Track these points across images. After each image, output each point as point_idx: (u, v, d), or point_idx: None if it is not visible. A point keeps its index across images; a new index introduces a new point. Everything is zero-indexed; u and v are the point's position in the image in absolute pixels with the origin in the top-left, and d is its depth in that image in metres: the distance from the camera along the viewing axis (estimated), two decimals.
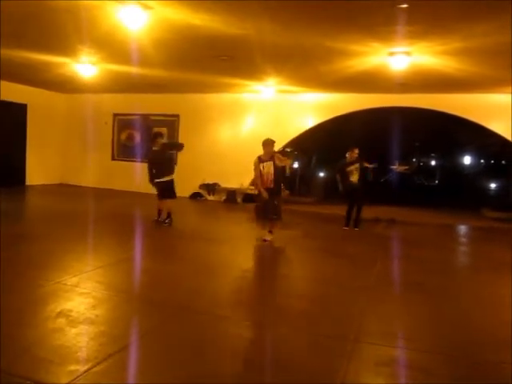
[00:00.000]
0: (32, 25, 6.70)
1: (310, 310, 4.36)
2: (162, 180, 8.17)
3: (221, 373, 3.00)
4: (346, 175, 8.85)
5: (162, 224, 8.27)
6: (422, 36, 6.26)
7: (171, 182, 8.28)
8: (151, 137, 8.76)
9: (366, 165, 9.01)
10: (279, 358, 3.26)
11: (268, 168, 6.99)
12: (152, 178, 8.28)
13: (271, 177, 7.03)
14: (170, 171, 8.34)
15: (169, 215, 8.33)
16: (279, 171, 7.17)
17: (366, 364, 3.23)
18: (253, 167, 7.15)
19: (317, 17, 5.70)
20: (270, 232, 7.35)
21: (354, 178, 8.85)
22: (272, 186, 7.06)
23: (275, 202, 7.15)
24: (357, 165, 8.83)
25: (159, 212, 8.39)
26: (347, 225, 8.99)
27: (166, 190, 8.21)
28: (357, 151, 8.86)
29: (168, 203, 8.36)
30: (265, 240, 7.26)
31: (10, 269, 5.15)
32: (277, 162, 7.05)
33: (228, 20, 5.97)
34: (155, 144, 8.30)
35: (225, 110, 13.07)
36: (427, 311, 4.43)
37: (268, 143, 7.04)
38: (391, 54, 7.13)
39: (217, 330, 3.75)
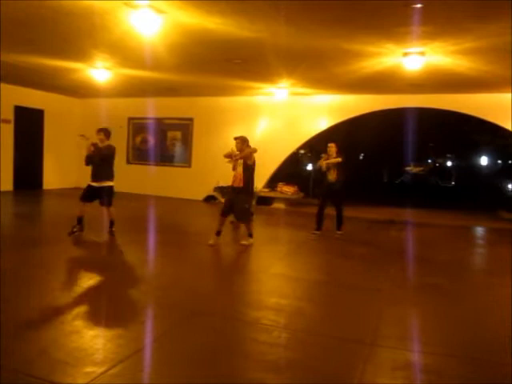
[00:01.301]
0: (46, 30, 6.80)
1: (326, 313, 4.34)
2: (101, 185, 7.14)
3: (237, 375, 3.00)
4: (323, 174, 8.17)
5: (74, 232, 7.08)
6: (436, 36, 6.20)
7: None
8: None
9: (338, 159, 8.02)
10: (295, 360, 3.25)
11: (239, 166, 6.80)
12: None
13: (240, 176, 6.82)
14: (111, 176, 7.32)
15: (80, 220, 7.11)
16: (249, 171, 6.93)
17: (383, 368, 3.20)
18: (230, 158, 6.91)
19: (330, 18, 5.69)
20: (250, 236, 7.16)
21: (332, 176, 8.08)
22: (241, 185, 6.84)
23: (245, 205, 6.95)
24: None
25: (79, 218, 7.12)
26: (319, 228, 8.18)
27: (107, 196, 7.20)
28: (333, 146, 8.08)
29: (111, 210, 7.31)
30: (242, 244, 7.08)
31: (27, 272, 5.23)
32: (248, 162, 6.85)
33: (241, 23, 5.99)
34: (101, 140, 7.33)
35: (238, 112, 13.10)
36: (442, 314, 4.39)
37: (243, 140, 6.92)
38: (405, 54, 7.09)
39: (232, 332, 3.76)
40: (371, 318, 4.19)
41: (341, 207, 8.27)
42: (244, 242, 7.11)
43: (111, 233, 7.30)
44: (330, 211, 8.41)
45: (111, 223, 7.33)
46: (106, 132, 7.39)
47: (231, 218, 7.97)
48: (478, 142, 23.63)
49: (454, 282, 5.58)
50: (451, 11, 5.23)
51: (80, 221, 7.11)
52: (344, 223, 8.35)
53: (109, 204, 7.24)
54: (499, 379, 3.03)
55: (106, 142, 7.33)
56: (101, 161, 7.12)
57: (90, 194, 7.13)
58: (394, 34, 6.15)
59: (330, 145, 8.14)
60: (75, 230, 7.07)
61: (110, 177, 7.24)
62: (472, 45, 6.45)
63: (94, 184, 7.11)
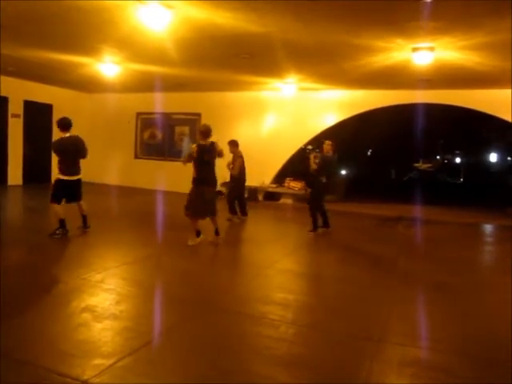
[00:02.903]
0: (56, 26, 6.81)
1: (333, 309, 4.34)
2: (72, 178, 6.80)
3: (243, 369, 3.01)
4: (306, 162, 8.14)
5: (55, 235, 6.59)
6: (446, 31, 6.15)
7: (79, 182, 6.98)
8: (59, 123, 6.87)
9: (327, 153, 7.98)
10: (303, 356, 3.26)
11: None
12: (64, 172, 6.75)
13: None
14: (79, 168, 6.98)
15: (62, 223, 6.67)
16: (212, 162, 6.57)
17: (390, 364, 3.19)
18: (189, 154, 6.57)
19: (339, 13, 5.65)
20: (217, 234, 6.74)
21: (311, 168, 7.99)
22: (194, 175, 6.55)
23: (207, 197, 6.56)
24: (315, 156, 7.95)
25: (84, 217, 7.05)
26: (324, 225, 8.02)
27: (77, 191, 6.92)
28: (329, 144, 7.99)
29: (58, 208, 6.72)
30: (191, 244, 6.48)
31: (35, 265, 5.29)
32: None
33: (250, 18, 5.97)
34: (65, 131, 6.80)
35: (246, 108, 13.09)
36: (451, 311, 4.37)
37: (208, 129, 6.55)
38: (415, 49, 7.03)
39: (240, 327, 3.77)
40: (378, 314, 4.19)
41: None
42: (189, 243, 6.51)
43: (52, 234, 6.59)
44: (333, 207, 8.38)
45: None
46: (59, 122, 6.84)
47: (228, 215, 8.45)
48: (488, 139, 23.46)
49: (463, 279, 5.54)
50: (461, 6, 5.18)
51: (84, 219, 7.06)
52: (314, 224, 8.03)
53: (50, 199, 6.80)
54: (509, 379, 3.01)
55: (67, 134, 6.82)
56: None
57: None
58: (404, 28, 6.10)
59: (327, 142, 8.09)
60: (85, 227, 7.08)
61: (59, 171, 6.83)
62: (482, 40, 6.39)
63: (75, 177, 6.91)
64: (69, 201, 6.86)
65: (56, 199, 6.72)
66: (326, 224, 8.12)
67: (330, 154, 8.05)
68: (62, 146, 6.86)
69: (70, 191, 6.82)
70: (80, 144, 6.95)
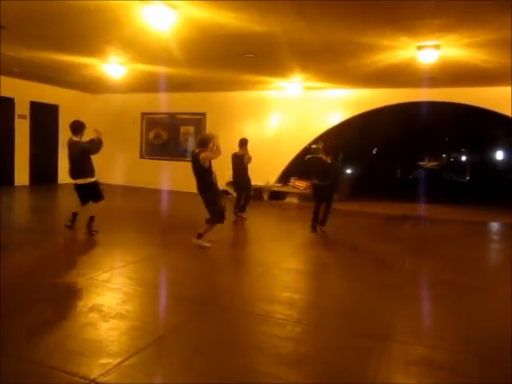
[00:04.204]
0: (61, 26, 6.84)
1: (339, 308, 4.34)
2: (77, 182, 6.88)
3: (250, 368, 3.02)
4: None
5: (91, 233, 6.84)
6: (451, 28, 6.12)
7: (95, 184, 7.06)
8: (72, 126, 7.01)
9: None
10: (309, 355, 3.27)
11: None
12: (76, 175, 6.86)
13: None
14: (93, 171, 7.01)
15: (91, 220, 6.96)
16: (201, 166, 6.39)
17: (396, 363, 3.19)
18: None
19: (344, 11, 5.64)
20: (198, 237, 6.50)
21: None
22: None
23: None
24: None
25: (74, 216, 6.98)
26: (315, 228, 7.87)
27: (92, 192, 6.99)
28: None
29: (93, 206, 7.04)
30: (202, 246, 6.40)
31: (41, 264, 5.32)
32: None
33: (253, 17, 5.97)
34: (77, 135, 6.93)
35: (251, 107, 13.09)
36: (457, 310, 4.35)
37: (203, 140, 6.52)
38: (420, 47, 7.01)
39: (246, 326, 3.78)
40: (385, 312, 4.18)
41: (330, 205, 8.02)
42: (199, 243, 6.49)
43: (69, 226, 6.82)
44: (339, 206, 8.35)
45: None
46: (70, 126, 6.99)
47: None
48: (494, 136, 23.33)
49: (470, 278, 5.51)
50: (466, 3, 5.16)
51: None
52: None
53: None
54: None
55: (76, 138, 6.98)
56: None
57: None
58: (409, 26, 6.08)
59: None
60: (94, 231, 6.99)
61: None
62: (488, 37, 6.35)
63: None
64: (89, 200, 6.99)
65: (81, 200, 6.95)
66: (322, 221, 7.92)
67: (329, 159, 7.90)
68: (68, 149, 7.04)
69: (85, 193, 6.92)
70: (82, 149, 6.89)
